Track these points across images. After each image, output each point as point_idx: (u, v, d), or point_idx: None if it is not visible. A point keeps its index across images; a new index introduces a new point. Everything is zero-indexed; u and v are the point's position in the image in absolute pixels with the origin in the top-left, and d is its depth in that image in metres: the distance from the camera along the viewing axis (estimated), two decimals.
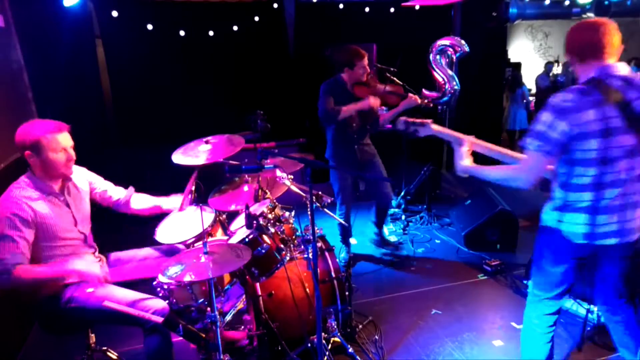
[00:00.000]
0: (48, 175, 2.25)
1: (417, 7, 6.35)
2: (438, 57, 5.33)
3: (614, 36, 1.90)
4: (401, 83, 3.85)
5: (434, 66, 5.30)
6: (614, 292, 2.13)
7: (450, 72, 5.34)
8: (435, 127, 2.44)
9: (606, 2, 6.84)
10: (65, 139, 2.25)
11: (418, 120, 2.49)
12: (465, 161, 2.23)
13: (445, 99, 5.15)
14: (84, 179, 2.52)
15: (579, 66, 1.98)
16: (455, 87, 5.32)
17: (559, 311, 2.23)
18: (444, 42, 5.26)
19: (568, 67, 9.83)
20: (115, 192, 2.66)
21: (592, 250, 2.03)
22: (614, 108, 1.84)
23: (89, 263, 2.30)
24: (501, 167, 2.10)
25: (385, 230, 4.65)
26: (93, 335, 2.38)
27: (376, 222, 4.23)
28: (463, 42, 5.28)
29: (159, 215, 2.94)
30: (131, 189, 2.71)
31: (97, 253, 2.49)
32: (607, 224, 1.96)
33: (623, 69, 1.91)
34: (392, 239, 4.54)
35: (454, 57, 5.35)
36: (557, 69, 10.01)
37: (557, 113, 1.87)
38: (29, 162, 2.21)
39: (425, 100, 3.68)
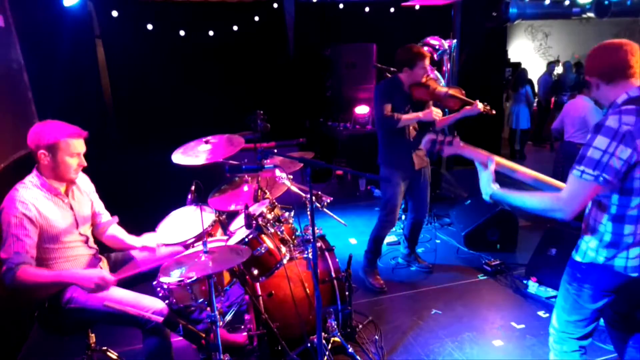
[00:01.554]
0: (56, 177, 2.26)
1: (417, 7, 6.36)
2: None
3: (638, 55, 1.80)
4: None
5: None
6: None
7: (436, 72, 5.40)
8: (463, 145, 2.18)
9: (606, 2, 6.83)
10: (81, 145, 2.28)
11: (446, 139, 2.25)
12: (492, 185, 1.98)
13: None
14: (87, 185, 2.53)
15: (606, 88, 1.83)
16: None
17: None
18: (432, 42, 5.33)
19: (568, 67, 9.82)
20: (103, 212, 2.63)
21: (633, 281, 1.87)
22: None
23: (91, 268, 2.29)
24: (537, 195, 1.88)
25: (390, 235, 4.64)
26: (93, 335, 2.38)
27: (409, 238, 3.94)
28: (443, 40, 5.35)
29: (159, 216, 2.94)
30: (114, 219, 2.65)
31: (97, 254, 2.50)
32: None
33: None
34: (392, 238, 4.54)
35: (435, 56, 5.41)
36: (558, 69, 10.00)
37: (619, 138, 1.67)
38: (39, 162, 2.21)
39: (488, 107, 3.48)
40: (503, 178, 2.05)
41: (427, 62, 3.32)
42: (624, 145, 1.67)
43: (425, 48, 5.38)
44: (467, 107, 3.43)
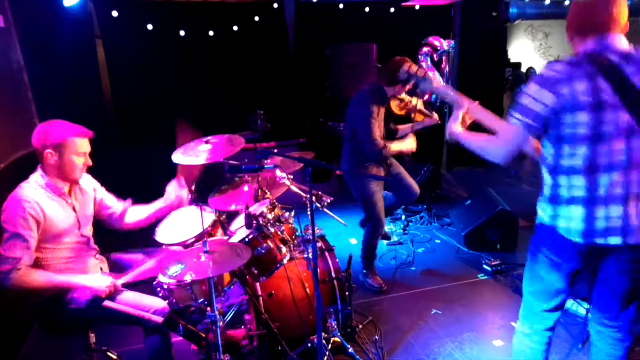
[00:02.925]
0: (61, 177, 2.26)
1: (417, 7, 6.35)
2: (428, 59, 5.41)
3: (620, 7, 1.73)
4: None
5: (421, 67, 5.37)
6: (617, 303, 1.88)
7: (436, 72, 5.41)
8: (437, 84, 2.32)
9: None
10: (86, 145, 2.29)
11: (420, 75, 2.36)
12: (455, 125, 2.07)
13: (432, 98, 5.28)
14: (89, 184, 2.53)
15: (576, 40, 1.80)
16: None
17: (554, 327, 2.03)
18: (435, 42, 5.34)
19: None
20: (114, 203, 2.64)
21: (593, 253, 1.80)
22: (607, 81, 1.67)
23: (94, 276, 2.30)
24: (482, 137, 1.93)
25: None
26: (93, 335, 2.38)
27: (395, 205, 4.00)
28: (444, 41, 5.37)
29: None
30: (128, 201, 2.68)
31: (98, 255, 2.50)
32: (608, 218, 1.72)
33: (623, 42, 1.74)
34: (393, 239, 4.54)
35: (435, 57, 5.42)
36: None
37: (543, 83, 1.72)
38: (45, 161, 2.21)
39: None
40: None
41: None
42: (547, 90, 1.70)
43: (425, 49, 5.41)
44: (427, 120, 3.67)
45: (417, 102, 3.64)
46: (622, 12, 1.73)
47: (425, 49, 5.45)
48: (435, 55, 5.45)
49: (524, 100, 1.76)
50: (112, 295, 2.21)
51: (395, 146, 3.32)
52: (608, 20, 1.72)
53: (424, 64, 5.45)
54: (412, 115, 3.70)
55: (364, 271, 3.71)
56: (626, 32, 1.76)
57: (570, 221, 1.78)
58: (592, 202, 1.74)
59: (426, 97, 5.29)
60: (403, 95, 3.53)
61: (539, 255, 1.94)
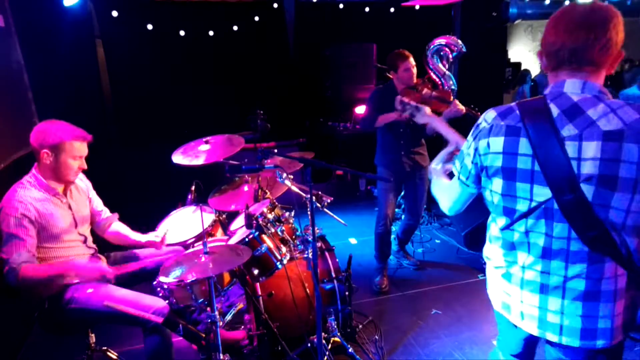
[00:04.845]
0: (55, 178, 2.26)
1: (417, 7, 6.36)
2: (435, 57, 5.37)
3: (581, 32, 1.27)
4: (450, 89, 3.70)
5: (431, 66, 5.34)
6: None
7: (446, 71, 5.37)
8: (428, 117, 2.12)
9: (605, 2, 6.85)
10: (84, 149, 2.29)
11: (413, 104, 2.21)
12: (441, 163, 1.85)
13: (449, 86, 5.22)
14: (84, 183, 2.53)
15: (550, 76, 1.40)
16: (452, 87, 5.36)
17: None
18: (440, 41, 5.30)
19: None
20: (101, 208, 2.65)
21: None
22: (533, 143, 1.29)
23: (91, 261, 2.31)
24: (440, 185, 1.80)
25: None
26: (93, 335, 2.38)
27: (400, 238, 4.03)
28: (460, 41, 5.32)
29: (159, 216, 2.94)
30: (115, 215, 2.68)
31: (96, 254, 2.50)
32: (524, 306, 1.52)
33: (574, 87, 1.29)
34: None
35: (451, 57, 5.38)
36: None
37: (473, 132, 1.46)
38: (40, 160, 2.21)
39: (473, 111, 3.35)
40: None
41: (410, 62, 3.39)
42: (475, 143, 1.44)
43: (435, 49, 5.36)
44: (447, 109, 3.28)
45: (432, 92, 3.43)
46: (582, 37, 1.26)
47: (434, 50, 5.41)
48: (451, 56, 5.40)
49: (460, 154, 1.59)
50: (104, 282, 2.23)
51: (384, 116, 3.36)
52: (563, 51, 1.30)
53: (433, 70, 5.40)
54: (430, 106, 3.41)
55: (376, 266, 3.76)
56: (608, 70, 1.33)
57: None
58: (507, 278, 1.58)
59: (452, 84, 5.26)
60: (419, 85, 3.45)
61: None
